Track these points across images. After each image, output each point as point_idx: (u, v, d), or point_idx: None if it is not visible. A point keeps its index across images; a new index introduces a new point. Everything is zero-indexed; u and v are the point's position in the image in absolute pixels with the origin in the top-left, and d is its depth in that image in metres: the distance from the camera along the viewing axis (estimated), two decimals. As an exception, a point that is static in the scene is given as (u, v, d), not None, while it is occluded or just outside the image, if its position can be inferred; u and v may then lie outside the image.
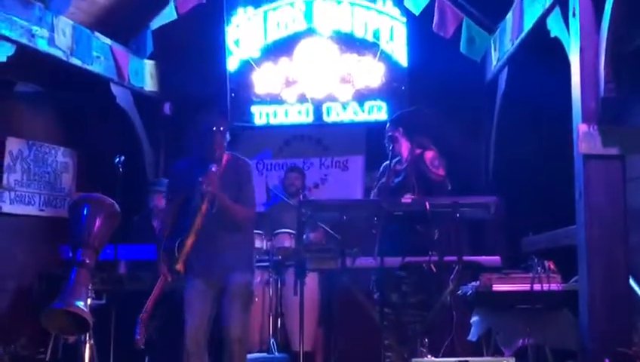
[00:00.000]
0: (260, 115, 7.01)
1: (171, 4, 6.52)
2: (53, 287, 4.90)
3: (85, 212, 3.60)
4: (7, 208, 6.29)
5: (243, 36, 7.02)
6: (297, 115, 6.97)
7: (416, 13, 6.31)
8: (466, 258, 4.13)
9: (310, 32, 6.95)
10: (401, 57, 6.76)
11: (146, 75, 6.99)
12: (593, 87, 3.90)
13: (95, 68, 6.14)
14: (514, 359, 3.83)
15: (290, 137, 7.21)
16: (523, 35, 5.09)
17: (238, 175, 4.26)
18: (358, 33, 6.87)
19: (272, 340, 5.42)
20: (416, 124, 4.79)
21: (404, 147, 4.74)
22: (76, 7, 5.86)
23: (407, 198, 4.30)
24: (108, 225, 3.65)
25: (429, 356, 4.29)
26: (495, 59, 6.04)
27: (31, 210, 6.52)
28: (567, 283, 4.07)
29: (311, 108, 6.94)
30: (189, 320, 4.09)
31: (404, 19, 6.70)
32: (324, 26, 6.92)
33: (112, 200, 3.74)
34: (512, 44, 5.39)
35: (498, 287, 4.02)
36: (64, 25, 5.70)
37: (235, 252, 4.19)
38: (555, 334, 4.03)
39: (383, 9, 6.80)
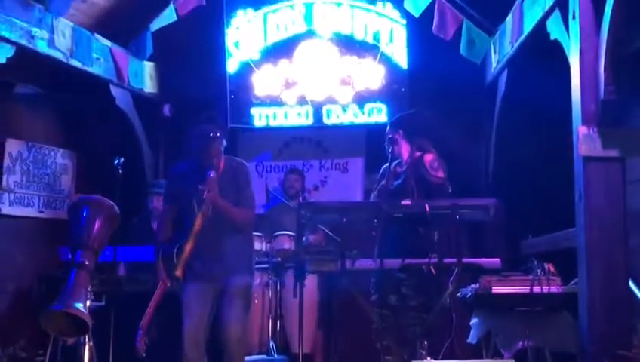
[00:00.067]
0: (260, 117, 7.01)
1: (171, 6, 6.52)
2: (52, 289, 4.91)
3: (85, 213, 3.59)
4: (7, 210, 6.29)
5: (243, 38, 7.02)
6: (297, 117, 6.97)
7: (416, 16, 6.30)
8: (465, 260, 4.11)
9: (310, 34, 6.95)
10: (401, 59, 6.76)
11: (146, 76, 6.99)
12: (593, 89, 3.90)
13: (95, 69, 6.14)
14: (513, 361, 3.82)
15: (289, 139, 7.21)
16: (523, 37, 5.09)
17: (236, 177, 4.26)
18: (358, 35, 6.87)
19: (271, 342, 5.42)
20: (416, 127, 4.77)
21: (404, 149, 4.73)
22: (76, 8, 5.86)
23: (406, 203, 4.30)
24: (107, 226, 3.65)
25: (429, 358, 4.28)
26: (495, 61, 6.04)
27: (30, 212, 6.52)
28: (567, 285, 4.06)
29: (311, 110, 6.94)
30: (187, 321, 4.09)
31: (404, 22, 6.70)
32: (324, 28, 6.92)
33: (112, 202, 3.73)
34: (512, 47, 5.40)
35: (498, 289, 4.00)
36: (64, 26, 5.70)
37: (234, 254, 4.20)
38: (555, 336, 4.02)
39: (382, 11, 6.80)
